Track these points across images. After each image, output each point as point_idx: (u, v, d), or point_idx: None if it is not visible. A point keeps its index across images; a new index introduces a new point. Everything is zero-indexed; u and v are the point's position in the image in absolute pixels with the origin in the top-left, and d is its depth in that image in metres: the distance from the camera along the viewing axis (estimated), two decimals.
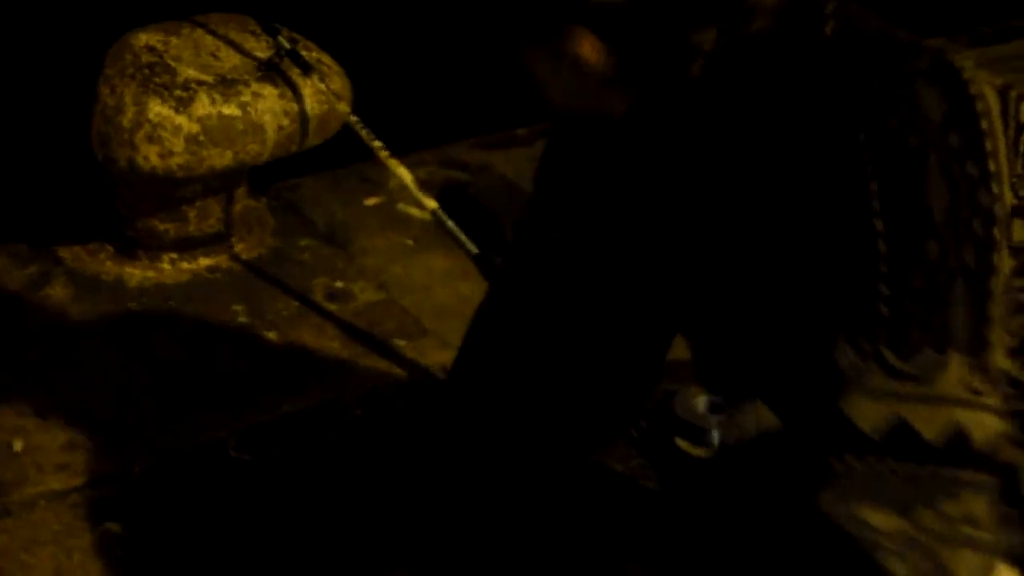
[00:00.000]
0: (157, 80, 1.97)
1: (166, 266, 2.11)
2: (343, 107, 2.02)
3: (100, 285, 2.08)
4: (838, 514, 0.84)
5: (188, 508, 1.63)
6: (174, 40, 2.06)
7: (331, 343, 1.99)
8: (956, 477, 0.83)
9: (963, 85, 0.82)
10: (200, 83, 1.99)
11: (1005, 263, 0.83)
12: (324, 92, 2.03)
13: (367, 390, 1.87)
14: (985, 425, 0.83)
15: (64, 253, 2.14)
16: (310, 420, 1.80)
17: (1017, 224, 0.84)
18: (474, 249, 1.79)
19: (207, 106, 1.96)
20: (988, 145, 0.82)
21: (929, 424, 0.83)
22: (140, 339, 1.95)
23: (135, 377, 1.87)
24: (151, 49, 2.02)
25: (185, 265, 2.12)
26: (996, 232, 0.82)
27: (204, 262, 2.13)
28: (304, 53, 2.05)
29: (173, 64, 2.00)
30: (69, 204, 2.31)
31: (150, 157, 1.95)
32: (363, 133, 1.93)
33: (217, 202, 2.12)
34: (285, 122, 2.03)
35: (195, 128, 1.95)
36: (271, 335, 2.00)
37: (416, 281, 2.18)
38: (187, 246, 2.12)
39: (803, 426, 0.88)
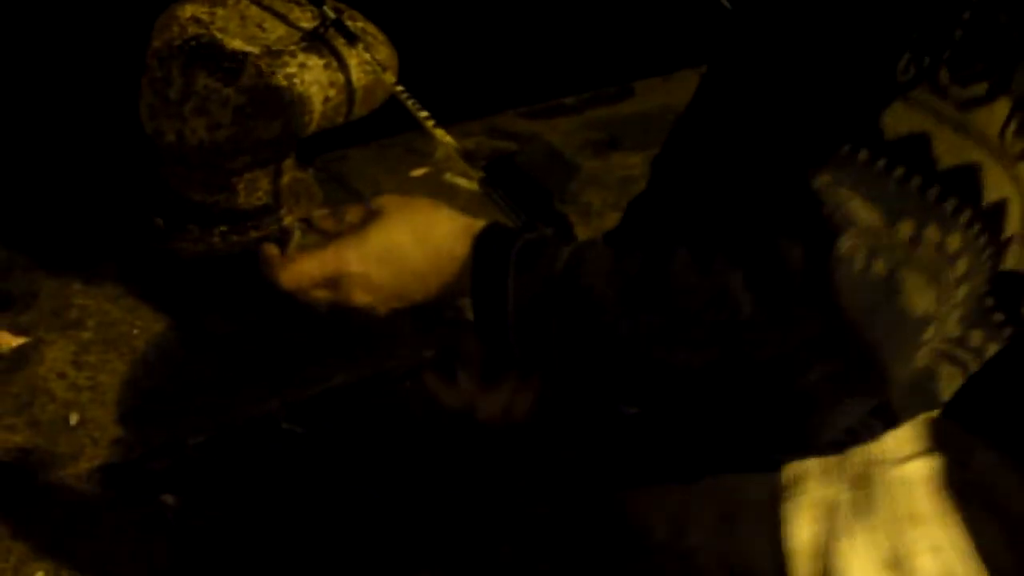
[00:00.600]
0: (204, 52, 1.96)
1: (216, 239, 2.12)
2: (389, 77, 2.00)
3: (151, 258, 2.09)
4: (824, 191, 0.79)
5: (240, 480, 1.63)
6: (220, 11, 2.05)
7: (381, 315, 1.98)
8: (955, 217, 0.78)
9: None
10: (246, 54, 1.98)
11: None
12: (369, 62, 2.01)
13: (417, 362, 1.87)
14: (1002, 184, 0.79)
15: (114, 227, 2.15)
16: (360, 392, 1.80)
17: None
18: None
19: (254, 77, 1.95)
20: None
21: (946, 149, 0.79)
22: (191, 312, 1.96)
23: (187, 350, 1.87)
24: (197, 20, 2.01)
25: (235, 238, 2.12)
26: None
27: (253, 234, 2.13)
28: (349, 23, 2.03)
29: (219, 36, 2.00)
30: (119, 178, 2.32)
31: (198, 130, 1.95)
32: (409, 103, 1.91)
33: (265, 174, 2.12)
34: (331, 93, 2.02)
35: (242, 100, 1.94)
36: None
37: None
38: (236, 218, 2.11)
39: (829, 132, 0.82)
